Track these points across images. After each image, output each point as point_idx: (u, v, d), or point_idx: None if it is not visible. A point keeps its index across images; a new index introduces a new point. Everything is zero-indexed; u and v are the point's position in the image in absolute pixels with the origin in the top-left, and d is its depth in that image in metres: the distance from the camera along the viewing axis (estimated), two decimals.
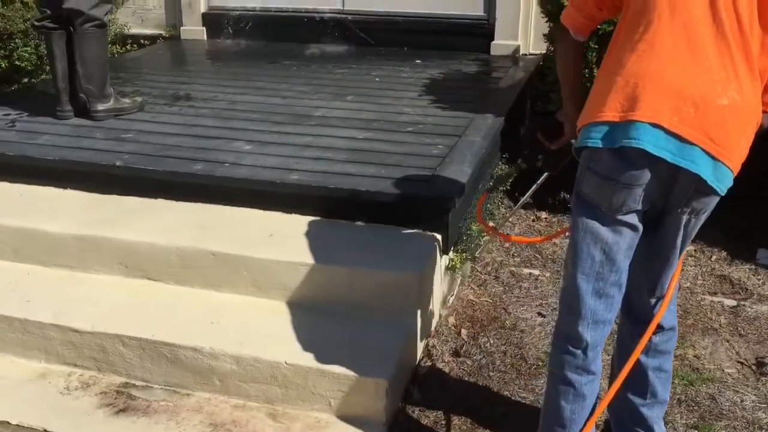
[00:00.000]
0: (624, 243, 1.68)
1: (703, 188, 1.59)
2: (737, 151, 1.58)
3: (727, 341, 2.67)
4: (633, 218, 1.66)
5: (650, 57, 1.57)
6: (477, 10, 5.02)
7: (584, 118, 1.68)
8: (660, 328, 1.85)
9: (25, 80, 4.50)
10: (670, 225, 1.70)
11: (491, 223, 2.96)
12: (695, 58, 1.55)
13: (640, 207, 1.64)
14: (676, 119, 1.54)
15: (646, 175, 1.59)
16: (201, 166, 2.98)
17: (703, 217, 1.70)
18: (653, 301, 1.84)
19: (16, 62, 4.44)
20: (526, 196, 2.43)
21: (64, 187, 3.06)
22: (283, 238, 2.65)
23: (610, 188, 1.62)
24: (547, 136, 2.02)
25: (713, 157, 1.55)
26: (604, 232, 1.67)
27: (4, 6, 4.26)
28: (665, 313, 1.83)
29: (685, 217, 1.67)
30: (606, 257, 1.68)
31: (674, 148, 1.54)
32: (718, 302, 2.93)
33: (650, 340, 1.85)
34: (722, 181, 1.59)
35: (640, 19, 1.60)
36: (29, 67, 4.51)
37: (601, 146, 1.60)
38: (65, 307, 2.52)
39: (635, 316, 1.88)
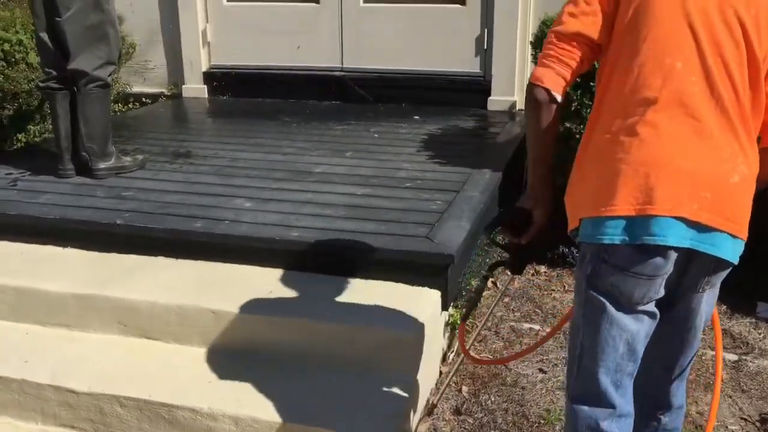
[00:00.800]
0: (644, 331, 1.63)
1: (722, 265, 1.58)
2: (747, 219, 1.57)
3: (730, 397, 2.65)
4: (652, 306, 1.62)
5: (656, 142, 1.51)
6: (473, 68, 5.11)
7: (585, 208, 1.58)
8: (669, 407, 1.80)
9: (25, 140, 4.55)
10: (687, 305, 1.66)
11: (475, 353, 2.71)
12: (700, 137, 1.51)
13: (660, 295, 1.60)
14: (696, 207, 1.49)
15: (669, 265, 1.55)
16: (201, 223, 3.00)
17: (718, 286, 1.68)
18: (673, 382, 1.78)
19: (20, 122, 4.51)
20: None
21: (65, 246, 3.07)
22: (283, 296, 2.65)
23: (632, 281, 1.56)
24: (514, 232, 1.79)
25: (732, 236, 1.53)
26: (629, 323, 1.60)
27: (9, 67, 4.33)
28: (677, 390, 1.78)
29: (705, 295, 1.65)
30: (628, 348, 1.62)
31: (695, 235, 1.51)
32: None
33: (659, 420, 1.80)
34: (738, 253, 1.57)
35: (635, 97, 1.53)
36: (31, 126, 4.58)
37: (618, 243, 1.53)
38: (63, 367, 2.51)
39: (645, 392, 1.80)
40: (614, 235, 1.52)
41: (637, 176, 1.50)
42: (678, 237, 1.50)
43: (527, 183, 1.78)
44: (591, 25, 1.59)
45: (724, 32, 1.51)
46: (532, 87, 1.63)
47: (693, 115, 1.50)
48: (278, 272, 2.82)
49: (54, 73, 3.51)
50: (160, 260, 2.95)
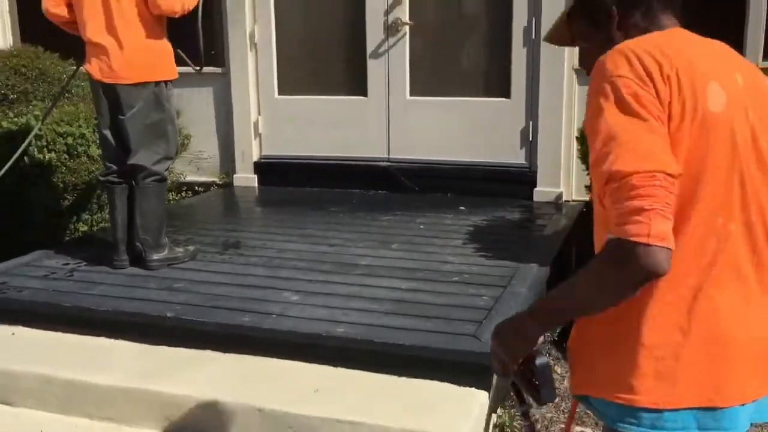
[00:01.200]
0: None
1: None
2: None
3: None
4: None
5: (716, 318, 1.37)
6: (519, 159, 5.16)
7: (619, 387, 1.42)
8: None
9: (84, 228, 4.71)
10: None
11: None
12: (749, 301, 1.38)
13: None
14: (756, 384, 1.39)
15: None
16: (249, 317, 3.03)
17: None
18: None
19: (78, 211, 4.69)
20: None
21: (116, 338, 3.12)
22: (329, 394, 2.63)
23: None
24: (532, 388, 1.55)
25: None
26: None
27: (71, 159, 4.54)
28: None
29: None
30: None
31: (753, 409, 1.42)
32: None
33: None
34: None
35: (686, 264, 1.34)
36: (88, 216, 4.75)
37: None
38: None
39: None
40: (676, 429, 1.39)
41: (699, 362, 1.36)
42: (745, 422, 1.41)
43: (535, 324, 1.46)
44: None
45: (761, 177, 1.39)
46: (649, 250, 1.20)
47: (741, 279, 1.37)
48: (324, 369, 2.81)
49: (114, 167, 3.66)
50: (209, 354, 2.97)
